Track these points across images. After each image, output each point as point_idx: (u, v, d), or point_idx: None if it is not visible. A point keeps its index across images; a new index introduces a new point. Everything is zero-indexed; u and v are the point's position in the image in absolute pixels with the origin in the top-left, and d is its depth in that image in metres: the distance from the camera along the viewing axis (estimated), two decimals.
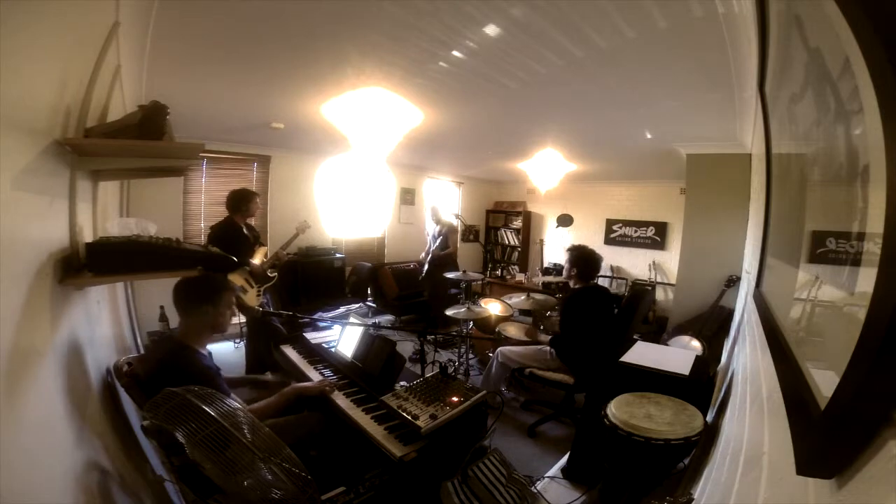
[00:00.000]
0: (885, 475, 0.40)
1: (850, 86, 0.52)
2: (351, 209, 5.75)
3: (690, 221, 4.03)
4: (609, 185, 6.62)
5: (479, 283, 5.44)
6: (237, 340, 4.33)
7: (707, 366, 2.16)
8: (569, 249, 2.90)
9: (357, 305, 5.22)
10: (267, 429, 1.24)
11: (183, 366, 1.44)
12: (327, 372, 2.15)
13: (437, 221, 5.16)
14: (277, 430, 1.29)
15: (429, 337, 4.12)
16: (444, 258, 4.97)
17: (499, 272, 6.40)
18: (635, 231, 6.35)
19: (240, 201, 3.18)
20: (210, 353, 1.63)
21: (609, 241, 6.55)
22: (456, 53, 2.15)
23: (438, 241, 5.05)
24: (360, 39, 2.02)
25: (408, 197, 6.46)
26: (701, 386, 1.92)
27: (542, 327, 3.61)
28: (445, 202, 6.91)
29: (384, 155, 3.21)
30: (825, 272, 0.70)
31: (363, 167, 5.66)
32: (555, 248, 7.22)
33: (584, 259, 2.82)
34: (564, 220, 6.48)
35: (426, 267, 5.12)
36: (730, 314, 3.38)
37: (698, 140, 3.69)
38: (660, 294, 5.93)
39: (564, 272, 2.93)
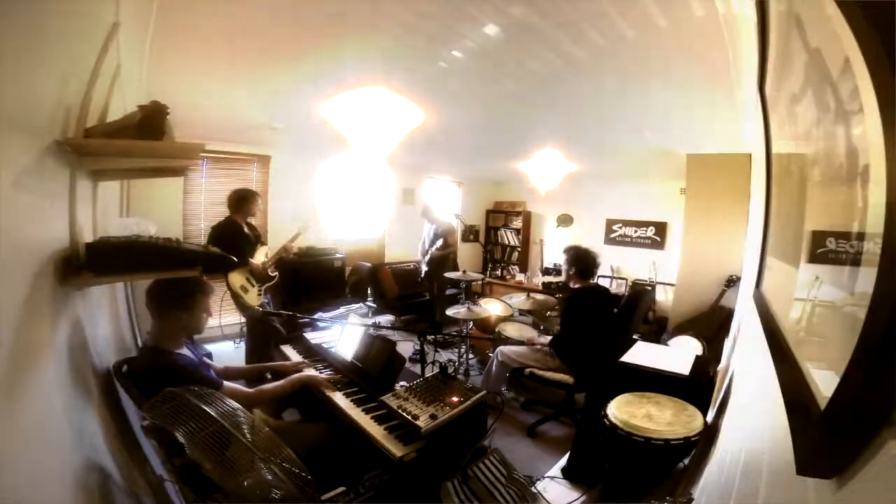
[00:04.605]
0: (885, 475, 0.40)
1: (850, 86, 0.52)
2: (351, 209, 5.74)
3: (690, 221, 4.04)
4: (609, 185, 6.62)
5: (479, 283, 5.40)
6: (237, 340, 4.34)
7: (707, 366, 2.17)
8: (565, 251, 2.95)
9: (357, 305, 5.22)
10: (267, 429, 1.24)
11: (162, 371, 1.42)
12: (327, 372, 2.15)
13: (431, 221, 4.90)
14: (288, 434, 1.29)
15: (429, 337, 4.12)
16: (443, 259, 4.81)
17: (499, 272, 6.41)
18: (635, 231, 6.34)
19: (241, 201, 3.19)
20: (210, 353, 1.63)
21: (609, 241, 6.54)
22: (456, 53, 2.15)
23: (438, 242, 4.81)
24: (360, 39, 2.03)
25: (408, 197, 6.46)
26: (701, 386, 1.92)
27: (542, 327, 3.61)
28: (439, 201, 6.64)
29: (384, 155, 3.21)
30: (825, 272, 0.70)
31: (363, 167, 5.66)
32: (555, 249, 7.20)
33: (579, 258, 2.87)
34: (564, 220, 6.48)
35: (425, 269, 4.93)
36: (730, 314, 3.38)
37: (698, 140, 3.69)
38: (660, 294, 5.92)
39: (563, 273, 2.96)
